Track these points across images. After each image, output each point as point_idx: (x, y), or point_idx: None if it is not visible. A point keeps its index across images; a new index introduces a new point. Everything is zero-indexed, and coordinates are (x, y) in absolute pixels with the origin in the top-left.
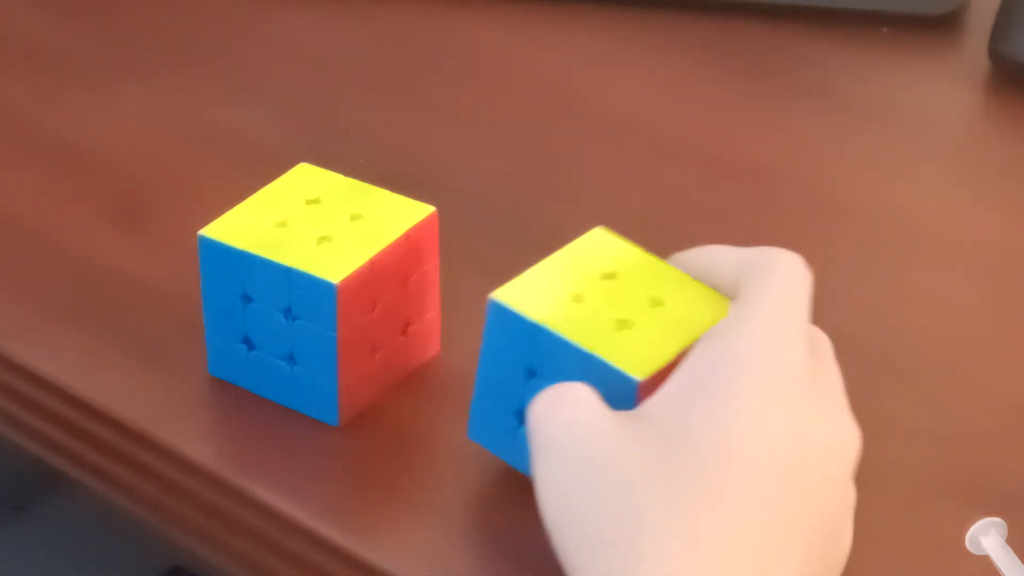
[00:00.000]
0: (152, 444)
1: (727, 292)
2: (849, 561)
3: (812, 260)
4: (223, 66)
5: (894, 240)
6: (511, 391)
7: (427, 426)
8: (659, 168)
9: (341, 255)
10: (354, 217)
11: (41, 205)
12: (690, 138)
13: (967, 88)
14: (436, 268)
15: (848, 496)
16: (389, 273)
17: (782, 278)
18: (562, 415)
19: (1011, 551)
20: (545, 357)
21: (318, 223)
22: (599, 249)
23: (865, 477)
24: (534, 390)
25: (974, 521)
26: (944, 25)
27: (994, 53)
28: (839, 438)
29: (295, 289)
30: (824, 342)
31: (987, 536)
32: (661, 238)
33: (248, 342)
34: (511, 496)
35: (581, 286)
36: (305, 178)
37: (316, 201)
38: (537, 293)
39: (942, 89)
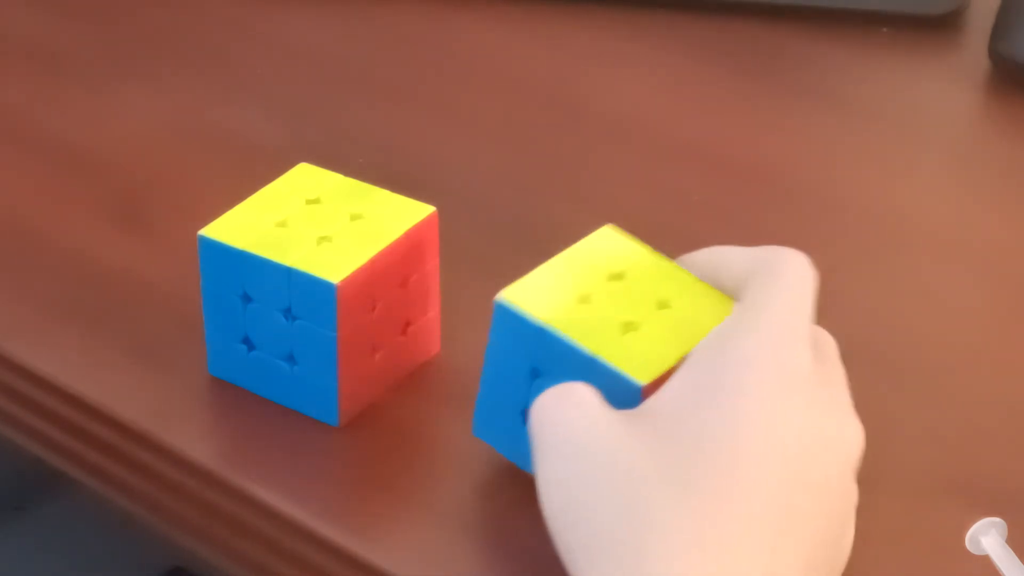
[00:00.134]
0: (152, 444)
1: (733, 292)
2: (849, 561)
3: (812, 260)
4: (223, 66)
5: (894, 240)
6: (515, 390)
7: (427, 426)
8: (659, 168)
9: (341, 255)
10: (354, 217)
11: (41, 205)
12: (690, 138)
13: (967, 88)
14: (436, 268)
15: (852, 495)
16: (389, 273)
17: (789, 278)
18: (564, 414)
19: (1011, 551)
20: (550, 359)
21: (318, 223)
22: (607, 248)
23: (865, 477)
24: (538, 390)
25: (974, 521)
26: (944, 25)
27: (994, 53)
28: (845, 437)
29: (295, 289)
30: (829, 342)
31: (987, 536)
32: (662, 238)
33: (248, 342)
34: (511, 496)
35: (588, 287)
36: (305, 178)
37: (316, 201)
38: (543, 293)
39: (942, 89)
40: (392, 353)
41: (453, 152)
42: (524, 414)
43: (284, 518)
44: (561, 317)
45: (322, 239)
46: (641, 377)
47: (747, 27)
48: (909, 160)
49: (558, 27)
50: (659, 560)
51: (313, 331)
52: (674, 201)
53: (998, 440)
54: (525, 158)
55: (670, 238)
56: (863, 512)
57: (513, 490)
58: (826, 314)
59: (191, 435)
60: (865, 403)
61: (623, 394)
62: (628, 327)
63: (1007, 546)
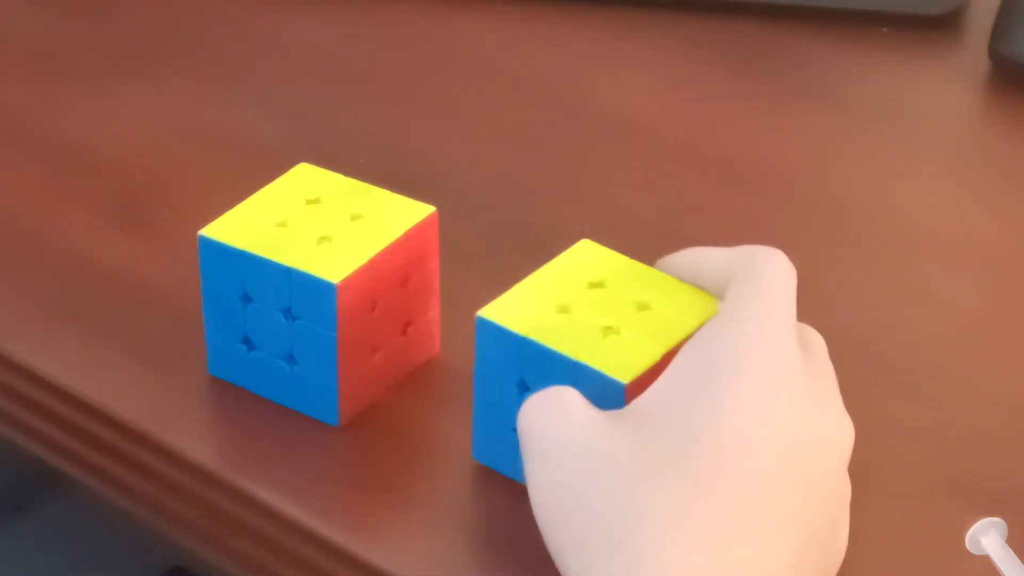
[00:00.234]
0: (152, 444)
1: (715, 292)
2: (849, 561)
3: (812, 260)
4: (223, 66)
5: (894, 240)
6: (507, 407)
7: (427, 426)
8: (659, 168)
9: (341, 255)
10: (354, 217)
11: (41, 205)
12: (690, 138)
13: (967, 88)
14: (436, 268)
15: (844, 489)
16: (389, 273)
17: (769, 276)
18: (550, 418)
19: (1011, 551)
20: (534, 369)
21: (318, 223)
22: (585, 260)
23: (865, 477)
24: None
25: (974, 521)
26: (944, 25)
27: (994, 53)
28: (834, 431)
29: (295, 289)
30: (817, 339)
31: (987, 536)
32: (661, 238)
33: (248, 342)
34: (511, 496)
35: (567, 297)
36: (305, 178)
37: (316, 201)
38: (523, 307)
39: (942, 89)
40: (392, 353)
41: (453, 152)
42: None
43: (284, 518)
44: (542, 327)
45: (322, 239)
46: (623, 376)
47: (747, 27)
48: (909, 160)
49: (558, 27)
50: (650, 555)
51: (313, 331)
52: (674, 201)
53: (998, 440)
54: (525, 158)
55: (669, 238)
56: (863, 512)
57: (513, 490)
58: (826, 314)
59: (191, 435)
60: (865, 403)
61: (608, 395)
62: (609, 331)
63: (1007, 546)
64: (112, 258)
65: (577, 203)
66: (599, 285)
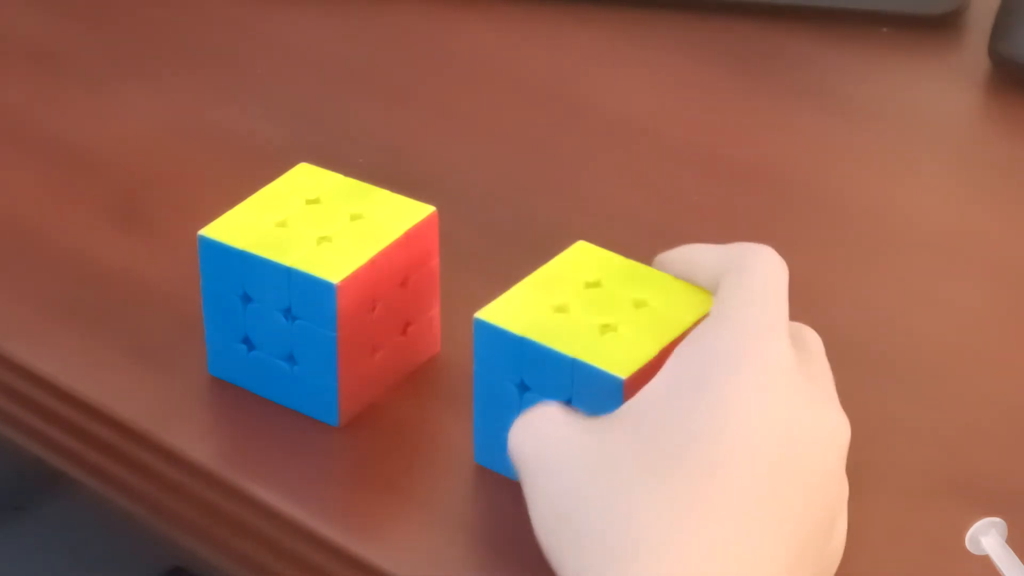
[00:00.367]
0: (152, 444)
1: (709, 289)
2: (849, 561)
3: (812, 260)
4: (223, 66)
5: (894, 240)
6: (507, 409)
7: (427, 426)
8: (659, 168)
9: (341, 255)
10: (354, 217)
11: (41, 205)
12: (690, 138)
13: (967, 88)
14: (436, 268)
15: (840, 486)
16: (389, 273)
17: (761, 273)
18: (536, 434)
19: (1011, 551)
20: (533, 369)
21: (318, 223)
22: (581, 260)
23: (865, 477)
24: (529, 404)
25: (974, 521)
26: (944, 25)
27: (994, 53)
28: (830, 429)
29: (295, 289)
30: (812, 337)
31: (987, 536)
32: (661, 238)
33: (248, 342)
34: (511, 496)
35: (564, 297)
36: (305, 178)
37: (316, 201)
38: (521, 308)
39: (942, 89)
40: (392, 353)
41: (453, 152)
42: None
43: (284, 518)
44: (540, 326)
45: (322, 239)
46: (621, 372)
47: (747, 27)
48: (909, 160)
49: (558, 27)
50: (645, 556)
51: (313, 331)
52: (674, 201)
53: (998, 440)
54: (525, 158)
55: (670, 238)
56: (863, 512)
57: (513, 490)
58: (826, 314)
59: (191, 435)
60: (865, 403)
61: (607, 391)
62: (606, 328)
63: (1007, 546)
64: (112, 258)
65: (577, 203)
66: (596, 284)
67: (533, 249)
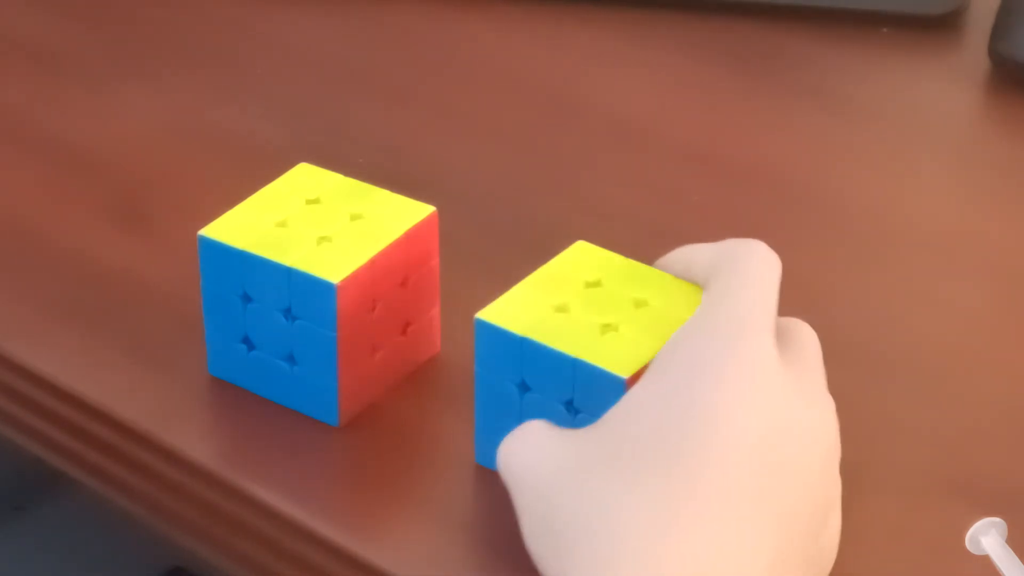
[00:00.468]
0: (152, 444)
1: (703, 287)
2: (849, 561)
3: (812, 260)
4: (223, 66)
5: (894, 240)
6: (508, 409)
7: (427, 426)
8: (659, 168)
9: (341, 255)
10: (354, 217)
11: (41, 205)
12: (690, 138)
13: (967, 88)
14: (436, 268)
15: (830, 482)
16: (389, 273)
17: (750, 269)
18: (522, 448)
19: (1011, 551)
20: (534, 368)
21: (318, 223)
22: (581, 260)
23: (865, 477)
24: (530, 405)
25: (974, 521)
26: (944, 25)
27: (994, 53)
28: (816, 424)
29: (295, 289)
30: (804, 331)
31: (987, 536)
32: (661, 238)
33: (248, 342)
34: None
35: (565, 297)
36: (305, 178)
37: (316, 201)
38: (521, 308)
39: (942, 89)
40: (392, 353)
41: (453, 152)
42: None
43: (284, 518)
44: (541, 326)
45: (322, 239)
46: (623, 371)
47: (747, 27)
48: (909, 160)
49: (558, 27)
50: (630, 557)
51: (313, 331)
52: (674, 201)
53: (998, 440)
54: (525, 158)
55: (670, 238)
56: (863, 512)
57: None
58: (826, 314)
59: (191, 435)
60: (865, 403)
61: (608, 390)
62: (607, 328)
63: (1007, 546)
64: (112, 258)
65: (577, 203)
66: (596, 284)
67: (533, 249)
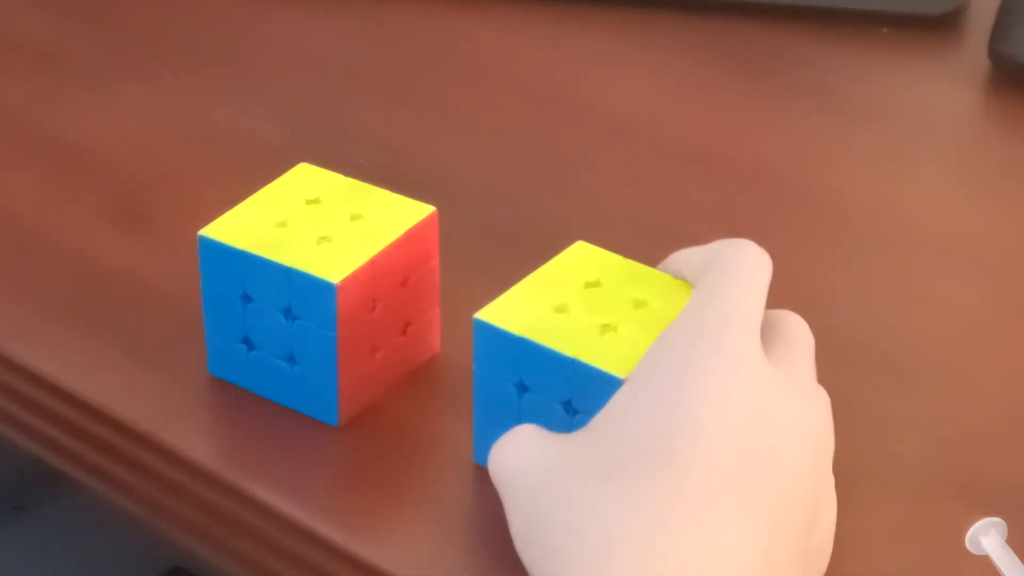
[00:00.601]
0: (152, 444)
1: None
2: (849, 561)
3: (812, 260)
4: (223, 66)
5: (894, 240)
6: (507, 409)
7: (427, 426)
8: (659, 168)
9: (341, 255)
10: (354, 217)
11: (41, 205)
12: (690, 138)
13: (967, 88)
14: (436, 268)
15: (818, 476)
16: (389, 273)
17: (735, 269)
18: (510, 454)
19: (1011, 551)
20: (533, 368)
21: (318, 223)
22: (580, 261)
23: (865, 476)
24: (528, 405)
25: (974, 521)
26: (944, 25)
27: (994, 53)
28: (798, 420)
29: (295, 289)
30: (791, 323)
31: (987, 536)
32: (661, 238)
33: (248, 342)
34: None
35: (564, 297)
36: (305, 178)
37: (316, 201)
38: (520, 308)
39: (942, 89)
40: (392, 353)
41: (453, 152)
42: None
43: (284, 518)
44: (539, 327)
45: (322, 239)
46: (621, 372)
47: (747, 27)
48: (909, 160)
49: (558, 27)
50: (614, 556)
51: (313, 331)
52: (674, 201)
53: (998, 440)
54: (525, 158)
55: (670, 238)
56: (863, 512)
57: None
58: (826, 314)
59: (191, 435)
60: (865, 403)
61: (607, 391)
62: (606, 328)
63: (1007, 546)
64: (112, 258)
65: (577, 203)
66: (595, 284)
67: (533, 249)
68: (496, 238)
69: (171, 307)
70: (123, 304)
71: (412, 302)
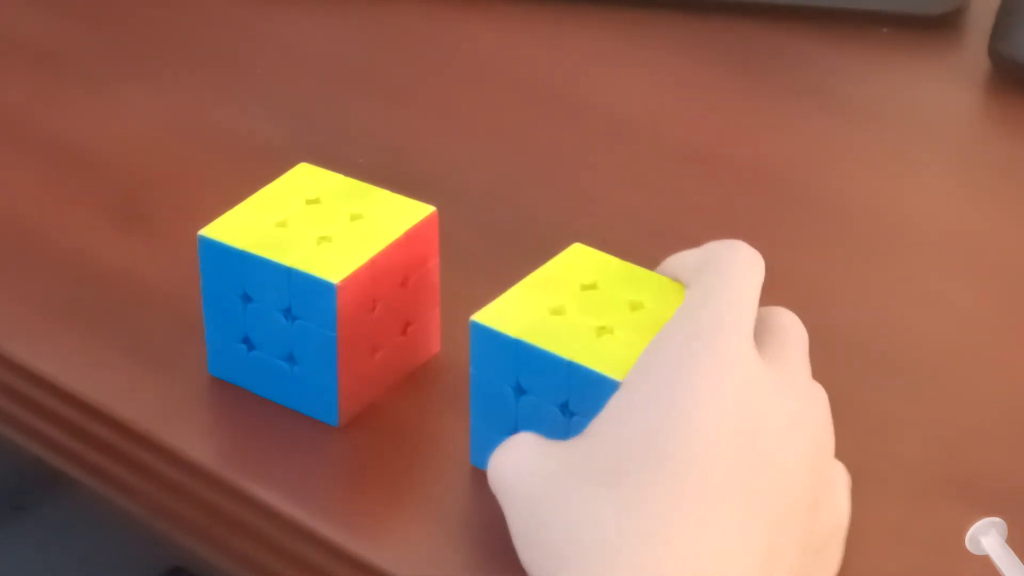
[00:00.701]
0: (152, 444)
1: None
2: (849, 561)
3: (812, 260)
4: (223, 66)
5: (894, 240)
6: (504, 412)
7: (427, 426)
8: (659, 168)
9: (341, 255)
10: (354, 217)
11: (41, 205)
12: (690, 138)
13: (967, 88)
14: (436, 268)
15: (817, 472)
16: (389, 273)
17: (728, 270)
18: (509, 462)
19: (1011, 551)
20: (530, 371)
21: (318, 223)
22: (577, 263)
23: (865, 477)
24: (525, 407)
25: (974, 521)
26: (944, 25)
27: (994, 53)
28: (794, 418)
29: (295, 289)
30: (784, 320)
31: (987, 536)
32: (661, 238)
33: (248, 342)
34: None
35: (560, 299)
36: (305, 178)
37: (316, 201)
38: (517, 310)
39: (942, 89)
40: (392, 353)
41: (453, 152)
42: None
43: (284, 518)
44: (536, 329)
45: (322, 239)
46: (618, 374)
47: (747, 27)
48: (909, 160)
49: (558, 27)
50: (615, 560)
51: (313, 331)
52: (674, 201)
53: (998, 440)
54: (525, 158)
55: (669, 238)
56: (863, 512)
57: None
58: (826, 314)
59: (191, 435)
60: (866, 403)
61: (603, 393)
62: (603, 331)
63: (1007, 546)
64: (112, 258)
65: (577, 203)
66: (592, 287)
67: (533, 249)
68: (496, 238)
69: (171, 307)
70: (123, 304)
71: (412, 302)
